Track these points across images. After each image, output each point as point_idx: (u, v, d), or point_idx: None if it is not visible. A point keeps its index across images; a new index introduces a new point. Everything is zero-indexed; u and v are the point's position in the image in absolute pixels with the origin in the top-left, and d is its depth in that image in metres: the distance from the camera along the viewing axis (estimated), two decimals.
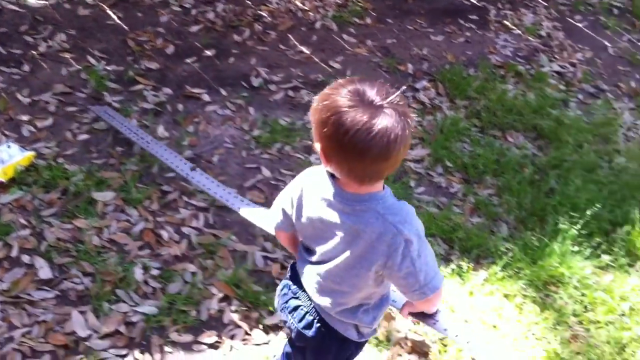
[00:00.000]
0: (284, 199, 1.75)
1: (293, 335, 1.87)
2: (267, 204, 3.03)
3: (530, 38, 5.07)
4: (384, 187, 1.58)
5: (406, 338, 2.62)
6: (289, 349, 2.05)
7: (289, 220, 1.75)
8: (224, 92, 3.79)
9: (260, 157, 3.40)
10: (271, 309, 2.57)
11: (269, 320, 2.56)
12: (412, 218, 1.58)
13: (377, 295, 1.75)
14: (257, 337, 2.51)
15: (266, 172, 3.29)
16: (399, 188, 3.35)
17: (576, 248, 3.16)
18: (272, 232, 1.90)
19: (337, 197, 1.57)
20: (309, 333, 1.80)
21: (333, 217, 1.59)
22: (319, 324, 1.79)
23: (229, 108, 3.68)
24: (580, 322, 2.91)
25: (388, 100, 1.41)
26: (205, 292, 2.61)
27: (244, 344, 2.47)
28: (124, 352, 2.34)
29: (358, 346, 1.89)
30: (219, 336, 2.47)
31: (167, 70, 3.85)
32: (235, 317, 2.55)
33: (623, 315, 2.96)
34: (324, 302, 1.73)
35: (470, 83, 4.30)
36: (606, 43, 5.30)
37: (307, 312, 1.80)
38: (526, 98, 4.30)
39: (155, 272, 2.63)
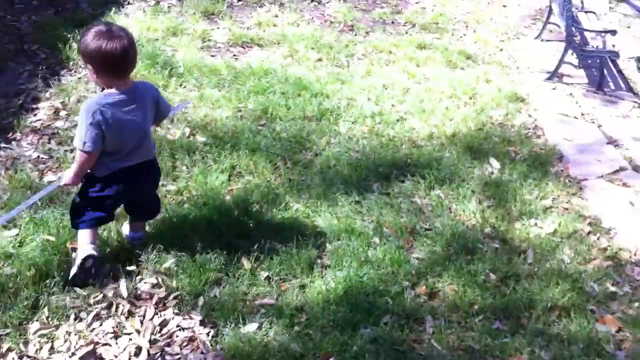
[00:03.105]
0: (96, 128, 2.74)
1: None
2: None
3: None
4: None
5: None
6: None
7: (102, 142, 2.79)
8: None
9: None
10: None
11: None
12: None
13: None
14: None
15: None
16: None
17: None
18: (90, 155, 2.81)
19: (124, 95, 2.80)
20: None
21: (131, 105, 2.83)
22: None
23: None
24: None
25: (115, 29, 2.75)
26: None
27: None
28: None
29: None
30: None
31: None
32: None
33: None
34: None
35: None
36: None
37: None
38: None
39: None
